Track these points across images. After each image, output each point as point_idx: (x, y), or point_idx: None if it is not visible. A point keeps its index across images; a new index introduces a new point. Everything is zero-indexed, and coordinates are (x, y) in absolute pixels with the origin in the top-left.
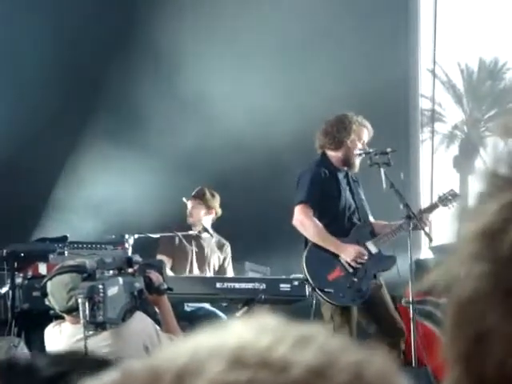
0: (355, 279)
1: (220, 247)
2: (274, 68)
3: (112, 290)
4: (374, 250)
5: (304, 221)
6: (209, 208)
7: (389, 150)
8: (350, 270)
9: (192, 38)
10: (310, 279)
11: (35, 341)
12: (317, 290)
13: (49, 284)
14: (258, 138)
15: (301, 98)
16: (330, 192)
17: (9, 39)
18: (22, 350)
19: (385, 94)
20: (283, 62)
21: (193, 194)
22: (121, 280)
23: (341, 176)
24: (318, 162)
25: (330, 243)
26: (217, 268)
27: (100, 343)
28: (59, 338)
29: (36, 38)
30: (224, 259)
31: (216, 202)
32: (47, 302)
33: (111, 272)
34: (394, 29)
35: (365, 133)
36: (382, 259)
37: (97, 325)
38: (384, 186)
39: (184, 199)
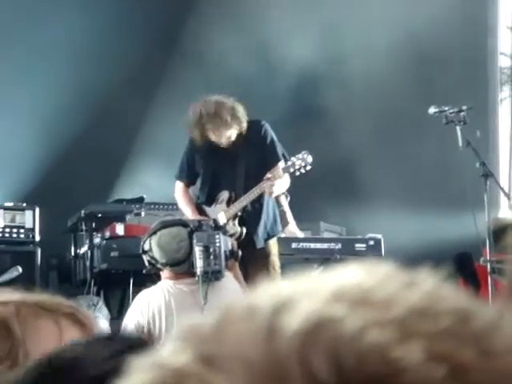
0: None
1: None
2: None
3: (221, 243)
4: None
5: None
6: None
7: (464, 107)
8: None
9: None
10: None
11: (114, 300)
12: None
13: (154, 238)
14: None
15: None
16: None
17: None
18: (101, 309)
19: (463, 51)
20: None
21: None
22: (222, 236)
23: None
24: None
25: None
26: None
27: (199, 298)
28: (160, 294)
29: None
30: None
31: None
32: (147, 258)
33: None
34: None
35: None
36: None
37: (212, 273)
38: (460, 144)
39: None
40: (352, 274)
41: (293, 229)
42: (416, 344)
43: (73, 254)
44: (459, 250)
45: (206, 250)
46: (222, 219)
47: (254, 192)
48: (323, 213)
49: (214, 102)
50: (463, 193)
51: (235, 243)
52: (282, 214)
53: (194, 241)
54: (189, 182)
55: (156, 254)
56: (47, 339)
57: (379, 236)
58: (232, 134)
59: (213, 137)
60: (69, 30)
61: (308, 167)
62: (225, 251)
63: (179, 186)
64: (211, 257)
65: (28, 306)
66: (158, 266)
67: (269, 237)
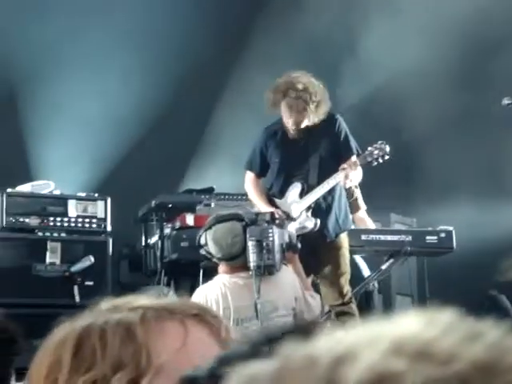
0: None
1: None
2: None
3: (275, 237)
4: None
5: None
6: None
7: None
8: None
9: None
10: None
11: (184, 289)
12: None
13: (209, 233)
14: None
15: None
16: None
17: None
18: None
19: None
20: None
21: None
22: (276, 230)
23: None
24: None
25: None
26: None
27: (262, 292)
28: (217, 288)
29: None
30: None
31: None
32: (204, 252)
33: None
34: None
35: None
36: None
37: (265, 268)
38: None
39: None
40: (413, 323)
41: (362, 215)
42: None
43: (143, 243)
44: None
45: (258, 244)
46: (295, 211)
47: (328, 183)
48: (394, 204)
49: (303, 79)
50: None
51: (294, 235)
52: (354, 200)
53: (248, 235)
54: (260, 173)
55: (211, 248)
56: (172, 341)
57: (450, 228)
58: (310, 117)
59: (288, 114)
60: (141, 23)
61: (386, 157)
62: (281, 244)
63: (250, 176)
64: (264, 251)
65: (154, 309)
66: (214, 260)
67: (340, 230)
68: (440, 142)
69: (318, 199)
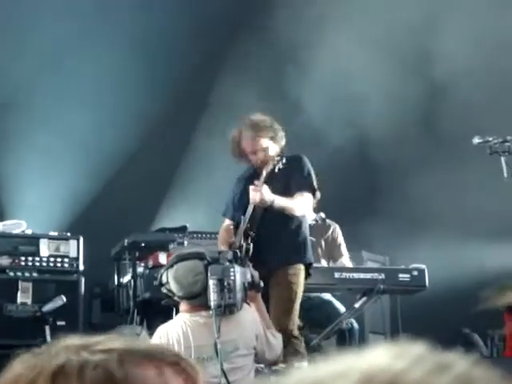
0: None
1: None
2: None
3: (237, 276)
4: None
5: None
6: None
7: (509, 137)
8: None
9: None
10: None
11: (157, 329)
12: None
13: (171, 271)
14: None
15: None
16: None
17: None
18: (144, 339)
19: (507, 79)
20: None
21: None
22: (238, 269)
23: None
24: None
25: None
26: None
27: (222, 331)
28: (178, 327)
29: None
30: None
31: None
32: (165, 291)
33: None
34: None
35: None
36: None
37: (226, 307)
38: (505, 175)
39: None
40: (382, 356)
41: (345, 261)
42: None
43: (116, 283)
44: (504, 281)
45: (219, 283)
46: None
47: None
48: (366, 242)
49: (249, 117)
50: (508, 223)
51: (256, 274)
52: (337, 247)
53: (209, 274)
54: (231, 219)
55: (173, 286)
56: None
57: (423, 266)
58: (261, 144)
59: (245, 147)
60: (111, 63)
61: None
62: (243, 283)
63: (224, 222)
64: (225, 290)
65: (131, 354)
66: (175, 298)
67: (286, 263)
68: (412, 181)
69: (262, 229)
